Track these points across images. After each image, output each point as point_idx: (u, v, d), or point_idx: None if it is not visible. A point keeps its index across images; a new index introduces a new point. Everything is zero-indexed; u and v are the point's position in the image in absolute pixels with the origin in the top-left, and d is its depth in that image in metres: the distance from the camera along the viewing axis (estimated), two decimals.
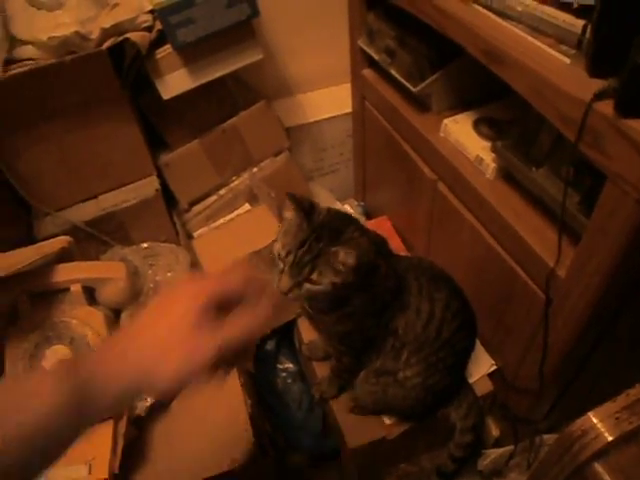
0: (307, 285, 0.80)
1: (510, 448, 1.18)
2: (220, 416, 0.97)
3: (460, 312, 0.97)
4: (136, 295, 1.01)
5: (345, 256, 0.78)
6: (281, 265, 0.81)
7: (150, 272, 1.07)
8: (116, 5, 1.03)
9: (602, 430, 0.45)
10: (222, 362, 0.53)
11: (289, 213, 0.83)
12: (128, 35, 1.01)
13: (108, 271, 0.98)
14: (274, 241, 0.83)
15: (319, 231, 0.80)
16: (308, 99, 1.59)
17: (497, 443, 1.23)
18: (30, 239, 1.16)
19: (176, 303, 0.53)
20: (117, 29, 1.01)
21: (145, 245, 1.13)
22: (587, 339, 0.92)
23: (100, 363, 0.50)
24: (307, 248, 0.79)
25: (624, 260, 0.74)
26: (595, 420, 0.46)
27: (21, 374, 0.85)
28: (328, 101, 1.57)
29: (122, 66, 1.08)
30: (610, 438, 0.44)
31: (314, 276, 0.79)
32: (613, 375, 1.22)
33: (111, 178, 1.20)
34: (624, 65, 0.64)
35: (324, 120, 1.54)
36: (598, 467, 0.45)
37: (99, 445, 0.88)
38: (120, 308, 1.00)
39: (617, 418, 0.45)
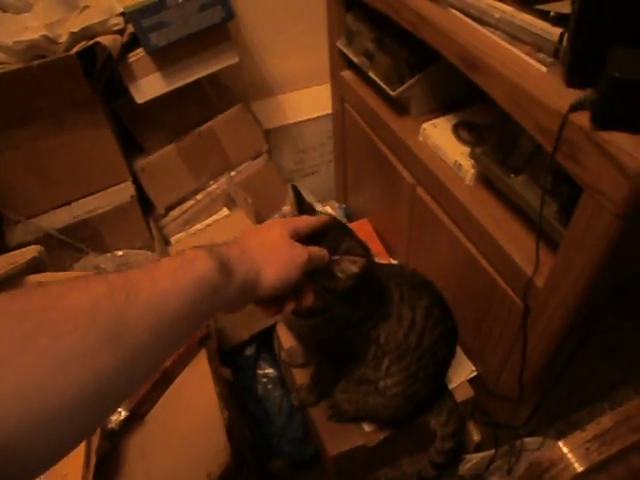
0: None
1: (491, 452, 1.18)
2: (195, 428, 0.94)
3: (442, 320, 0.96)
4: None
5: (348, 266, 0.76)
6: None
7: None
8: (85, 7, 1.00)
9: (572, 461, 0.44)
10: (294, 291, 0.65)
11: (288, 207, 0.82)
12: (99, 39, 0.98)
13: None
14: None
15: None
16: (288, 100, 1.57)
17: (478, 448, 1.23)
18: (2, 247, 1.13)
19: (271, 227, 0.65)
20: (87, 32, 0.99)
21: (120, 253, 1.11)
22: (566, 347, 0.91)
23: (228, 249, 0.57)
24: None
25: (601, 272, 0.74)
26: (565, 450, 0.45)
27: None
28: (309, 102, 1.55)
29: (93, 70, 1.05)
30: (580, 469, 0.44)
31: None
32: (591, 380, 1.22)
33: (85, 184, 1.18)
34: (601, 76, 0.63)
35: (304, 121, 1.52)
36: None
37: (72, 461, 0.85)
38: None
39: (587, 449, 0.44)
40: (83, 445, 0.87)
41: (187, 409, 0.97)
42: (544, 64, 0.76)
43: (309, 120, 1.53)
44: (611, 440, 0.43)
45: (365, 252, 0.85)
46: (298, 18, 1.46)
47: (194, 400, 0.97)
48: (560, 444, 0.45)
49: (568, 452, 0.44)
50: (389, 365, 0.95)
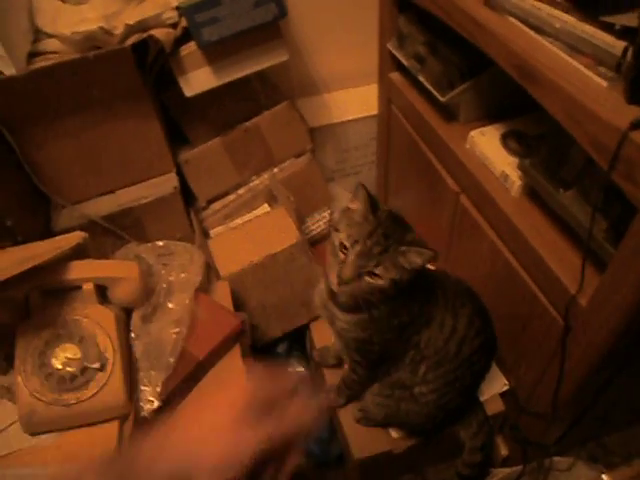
0: (367, 279, 0.80)
1: (518, 468, 1.16)
2: None
3: (482, 330, 0.95)
4: (148, 295, 1.00)
5: (415, 257, 0.79)
6: (342, 256, 0.81)
7: (164, 272, 1.06)
8: (142, 1, 1.01)
9: None
10: (271, 459, 0.50)
11: (357, 204, 0.83)
12: (152, 32, 1.00)
13: (121, 270, 0.97)
14: (335, 231, 0.83)
15: (385, 225, 0.80)
16: (334, 99, 1.56)
17: (505, 462, 1.21)
18: (48, 231, 1.16)
19: (219, 401, 0.53)
20: (142, 25, 1.00)
21: (161, 243, 1.12)
22: (605, 369, 0.89)
23: (140, 453, 0.49)
24: (376, 240, 0.79)
25: None
26: None
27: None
28: (354, 102, 1.54)
29: (145, 62, 1.06)
30: None
31: (379, 270, 0.79)
32: (626, 404, 1.19)
33: (130, 173, 1.19)
34: None
35: (349, 121, 1.52)
36: None
37: (105, 444, 0.88)
38: (132, 307, 0.99)
39: None
40: (116, 430, 0.89)
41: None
42: (604, 78, 0.73)
43: (354, 120, 1.52)
44: None
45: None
46: (348, 18, 1.45)
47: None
48: (604, 477, 0.43)
49: None
50: (426, 371, 0.94)
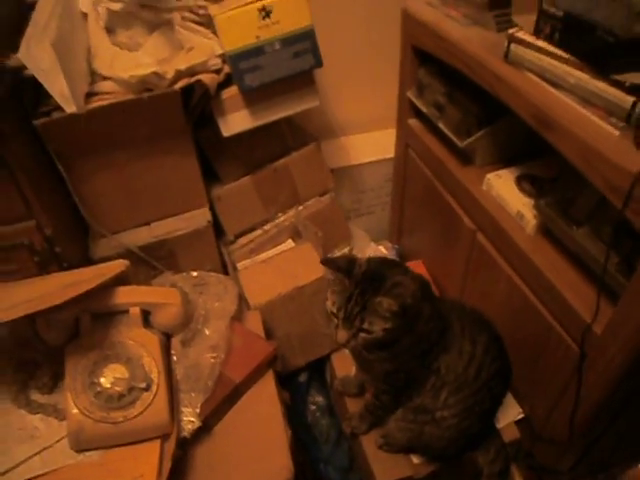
0: (362, 335, 0.88)
1: None
2: (261, 444, 1.00)
3: (498, 357, 1.01)
4: (187, 321, 1.06)
5: (389, 305, 0.86)
6: (335, 320, 0.90)
7: (200, 300, 1.12)
8: (191, 49, 1.11)
9: None
10: None
11: (331, 275, 0.92)
12: (200, 77, 1.09)
13: (165, 296, 1.03)
14: (326, 300, 0.92)
15: (362, 284, 0.88)
16: (351, 142, 1.66)
17: None
18: (86, 259, 1.22)
19: None
20: (190, 71, 1.09)
21: (195, 274, 1.18)
22: (619, 395, 0.95)
23: None
24: (354, 302, 0.87)
25: None
26: None
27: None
28: (370, 145, 1.65)
29: (189, 103, 1.15)
30: None
31: (365, 325, 0.87)
32: (637, 435, 1.24)
33: (166, 207, 1.27)
34: None
35: (365, 164, 1.62)
36: None
37: (147, 463, 0.91)
38: (172, 332, 1.05)
39: None
40: (158, 449, 0.93)
41: (253, 424, 1.02)
42: (616, 127, 0.83)
43: (370, 163, 1.62)
44: None
45: (420, 284, 0.93)
46: (367, 67, 1.57)
47: (260, 417, 1.03)
48: None
49: None
50: (447, 396, 1.00)
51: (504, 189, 1.15)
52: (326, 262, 0.92)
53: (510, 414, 1.21)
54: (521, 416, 1.21)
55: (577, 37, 0.89)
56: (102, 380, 0.93)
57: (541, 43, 0.94)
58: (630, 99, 0.81)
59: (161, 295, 1.04)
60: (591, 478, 1.30)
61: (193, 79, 1.09)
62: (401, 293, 0.86)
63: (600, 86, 0.85)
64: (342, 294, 0.89)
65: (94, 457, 0.93)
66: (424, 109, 1.29)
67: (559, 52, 0.92)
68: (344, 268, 0.90)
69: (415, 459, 1.15)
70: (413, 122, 1.41)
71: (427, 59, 1.28)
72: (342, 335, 0.89)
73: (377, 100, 1.58)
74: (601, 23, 0.84)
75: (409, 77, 1.34)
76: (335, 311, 0.89)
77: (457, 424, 1.02)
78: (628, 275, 0.83)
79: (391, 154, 1.56)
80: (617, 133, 0.82)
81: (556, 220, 1.01)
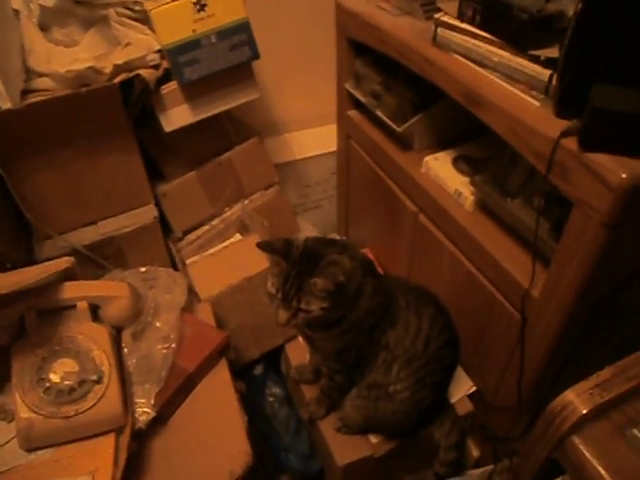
0: (302, 314, 0.91)
1: (489, 468, 1.23)
2: (217, 431, 1.00)
3: (446, 328, 1.05)
4: (138, 314, 1.06)
5: (323, 285, 0.88)
6: (276, 301, 0.92)
7: (150, 294, 1.11)
8: (128, 44, 1.11)
9: (578, 404, 0.53)
10: None
11: (269, 259, 0.95)
12: (139, 71, 1.09)
13: (113, 290, 1.03)
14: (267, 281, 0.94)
15: (298, 265, 0.90)
16: (295, 138, 1.69)
17: (477, 464, 1.28)
18: (30, 262, 1.20)
19: None
20: (128, 66, 1.10)
21: (143, 269, 1.18)
22: (559, 356, 1.00)
23: None
24: (291, 283, 0.90)
25: (591, 279, 0.84)
26: (572, 396, 0.53)
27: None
28: (314, 140, 1.68)
29: (129, 99, 1.16)
30: (585, 411, 0.52)
31: (303, 305, 0.90)
32: None
33: (112, 205, 1.26)
34: (585, 108, 0.75)
35: (309, 158, 1.65)
36: (575, 439, 0.52)
37: (102, 457, 0.90)
38: (122, 326, 1.04)
39: (590, 393, 0.52)
40: (112, 442, 0.93)
41: (209, 412, 1.03)
42: (537, 100, 0.88)
43: (314, 157, 1.65)
44: (610, 387, 0.51)
45: (362, 262, 0.98)
46: (306, 63, 1.61)
47: (216, 404, 1.04)
48: (568, 391, 0.53)
49: (575, 397, 0.53)
50: (398, 370, 1.03)
51: (442, 170, 1.19)
52: (262, 245, 0.93)
53: (462, 388, 1.25)
54: (473, 389, 1.25)
55: (496, 18, 0.94)
56: (51, 375, 0.92)
57: (465, 26, 0.99)
58: (547, 72, 0.86)
59: (109, 288, 1.04)
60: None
61: (132, 74, 1.10)
62: (334, 272, 0.88)
63: (520, 62, 0.91)
64: (280, 276, 0.91)
65: (46, 455, 0.91)
66: (362, 99, 1.33)
67: (481, 33, 0.97)
68: (280, 250, 0.92)
69: (373, 438, 1.17)
70: (353, 113, 1.45)
71: (362, 50, 1.32)
72: (282, 315, 0.91)
73: (319, 95, 1.61)
74: (516, 3, 0.89)
75: (346, 69, 1.38)
76: (274, 292, 0.91)
77: (410, 397, 1.05)
78: (558, 239, 0.88)
79: (335, 147, 1.60)
80: (538, 104, 0.88)
81: (491, 194, 1.06)
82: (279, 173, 1.59)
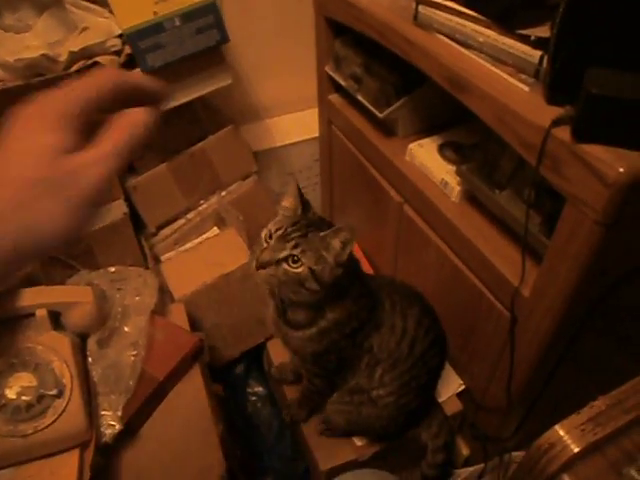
0: (285, 266, 0.80)
1: (480, 466, 1.19)
2: (190, 442, 0.95)
3: (432, 329, 0.99)
4: (103, 319, 0.99)
5: (333, 237, 0.81)
6: (265, 244, 0.83)
7: (118, 296, 1.05)
8: (85, 29, 1.03)
9: (568, 442, 0.47)
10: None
11: (289, 200, 0.87)
12: (97, 58, 1.01)
13: (74, 295, 0.97)
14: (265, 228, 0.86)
15: (310, 220, 0.84)
16: (276, 124, 1.61)
17: (467, 462, 1.24)
18: None
19: (30, 130, 0.39)
20: (86, 52, 1.02)
21: (112, 269, 1.12)
22: (551, 357, 0.94)
23: None
24: (297, 227, 0.82)
25: (585, 279, 0.77)
26: (562, 432, 0.47)
27: None
28: (295, 126, 1.60)
29: None
30: (576, 449, 0.46)
31: (297, 252, 0.79)
32: (575, 394, 1.25)
33: None
34: (579, 94, 0.68)
35: (291, 144, 1.57)
36: (566, 478, 0.46)
37: (65, 475, 0.86)
38: (87, 333, 0.98)
39: (582, 430, 0.46)
40: (76, 459, 0.87)
41: (181, 423, 0.97)
42: (526, 84, 0.81)
43: (296, 143, 1.57)
44: (605, 422, 0.45)
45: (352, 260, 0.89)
46: (285, 44, 1.52)
47: (188, 414, 0.98)
48: (557, 427, 0.47)
49: (565, 434, 0.47)
50: (382, 374, 0.97)
51: (427, 158, 1.12)
52: (297, 185, 0.88)
53: (451, 387, 1.20)
54: (462, 388, 1.20)
55: None
56: (7, 391, 0.86)
57: (448, 3, 0.91)
58: (537, 53, 0.79)
59: (70, 294, 0.98)
60: (535, 441, 1.31)
61: (90, 61, 1.02)
62: (347, 236, 0.81)
63: (508, 42, 0.83)
64: (288, 218, 0.84)
65: (5, 476, 0.86)
66: (342, 82, 1.25)
67: (466, 11, 0.89)
68: (304, 202, 0.87)
69: (358, 441, 1.13)
70: (334, 97, 1.37)
71: (342, 30, 1.24)
72: (267, 254, 0.80)
73: (301, 78, 1.52)
74: None
75: (326, 51, 1.30)
76: (273, 231, 0.82)
77: (395, 401, 1.00)
78: (550, 235, 0.82)
79: (317, 133, 1.52)
80: (527, 89, 0.80)
81: (479, 185, 0.99)
82: (260, 161, 1.52)
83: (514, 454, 1.21)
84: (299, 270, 0.80)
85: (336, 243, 0.82)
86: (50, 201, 0.37)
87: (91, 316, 0.97)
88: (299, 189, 0.87)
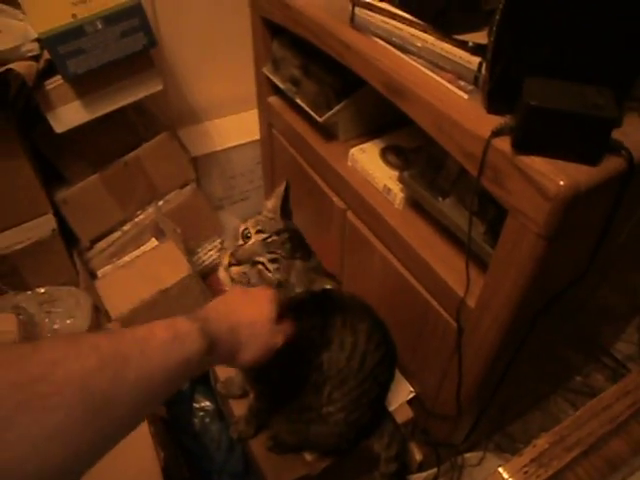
0: (260, 266, 0.77)
1: (433, 471, 1.19)
2: (130, 474, 0.90)
3: (382, 343, 0.96)
4: None
5: (321, 284, 0.79)
6: (241, 241, 0.79)
7: (47, 320, 0.98)
8: None
9: None
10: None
11: (272, 201, 0.84)
12: (11, 65, 0.93)
13: None
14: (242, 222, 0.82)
15: (292, 237, 0.81)
16: (216, 126, 1.55)
17: (421, 467, 1.24)
18: None
19: (263, 303, 0.68)
20: None
21: (42, 290, 1.04)
22: (499, 364, 0.93)
23: (219, 327, 0.58)
24: (282, 241, 0.79)
25: (529, 290, 0.76)
26: (505, 476, 0.45)
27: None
28: (236, 128, 1.54)
29: (7, 98, 1.00)
30: None
31: (272, 266, 0.77)
32: (523, 393, 1.26)
33: (0, 218, 1.10)
34: (517, 104, 0.66)
35: (232, 148, 1.51)
36: None
37: None
38: None
39: (525, 472, 0.44)
40: None
41: (120, 453, 0.91)
42: (465, 91, 0.78)
43: (237, 146, 1.52)
44: (548, 462, 0.44)
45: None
46: (224, 45, 1.46)
47: (127, 443, 0.92)
48: (500, 470, 0.45)
49: (508, 478, 0.45)
50: (331, 391, 0.94)
51: (369, 163, 1.09)
52: (289, 187, 0.86)
53: (401, 395, 1.18)
54: (412, 395, 1.18)
55: None
56: None
57: (384, 5, 0.88)
58: (475, 60, 0.77)
59: None
60: (487, 441, 1.31)
61: (3, 69, 0.93)
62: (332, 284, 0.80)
63: (446, 48, 0.81)
64: (270, 224, 0.81)
65: None
66: (281, 85, 1.20)
67: (402, 13, 0.86)
68: (287, 211, 0.86)
69: (308, 456, 1.09)
70: (273, 100, 1.32)
71: (280, 31, 1.19)
72: (245, 253, 0.77)
73: (238, 79, 1.47)
74: None
75: (263, 52, 1.25)
76: (253, 231, 0.79)
77: (345, 418, 0.97)
78: (494, 244, 0.80)
79: (258, 135, 1.47)
80: (466, 97, 0.78)
81: (422, 192, 0.97)
82: (201, 165, 1.46)
83: (466, 456, 1.21)
84: (269, 277, 0.77)
85: (317, 286, 0.79)
86: (258, 348, 0.65)
87: None
88: (287, 192, 0.84)
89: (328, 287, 0.80)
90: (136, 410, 0.46)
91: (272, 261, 0.77)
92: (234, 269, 0.78)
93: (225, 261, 0.79)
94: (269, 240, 0.78)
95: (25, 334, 0.92)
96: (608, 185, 0.67)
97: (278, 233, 0.79)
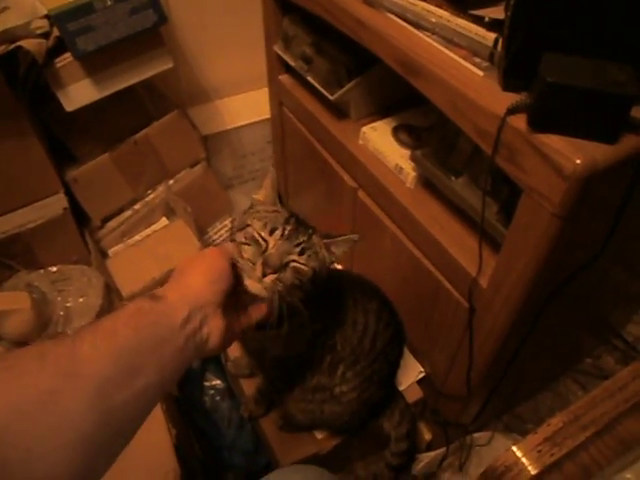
0: (293, 265, 0.71)
1: (442, 450, 1.19)
2: (143, 449, 0.90)
3: (391, 322, 0.97)
4: (44, 325, 0.94)
5: (342, 245, 0.76)
6: (264, 244, 0.71)
7: (60, 298, 0.99)
8: (5, 9, 0.94)
9: (526, 464, 0.45)
10: None
11: (263, 193, 0.77)
12: (21, 43, 0.92)
13: (10, 302, 0.90)
14: (245, 227, 0.74)
15: (295, 217, 0.75)
16: (226, 105, 1.54)
17: (429, 446, 1.24)
18: None
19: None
20: (7, 36, 0.93)
21: (54, 269, 1.05)
22: (510, 344, 0.93)
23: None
24: (293, 227, 0.72)
25: (543, 270, 0.75)
26: (519, 454, 0.45)
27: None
28: (247, 107, 1.53)
29: (17, 76, 0.99)
30: (534, 472, 0.44)
31: (303, 259, 0.72)
32: (534, 374, 1.26)
33: (13, 197, 1.11)
34: (534, 81, 0.65)
35: (243, 127, 1.50)
36: None
37: None
38: (26, 341, 0.92)
39: (539, 451, 0.44)
40: None
41: None
42: (480, 68, 0.77)
43: (247, 125, 1.51)
44: (562, 440, 0.44)
45: None
46: (234, 22, 1.44)
47: None
48: (514, 448, 0.45)
49: (522, 456, 0.45)
50: (344, 371, 0.94)
51: (381, 142, 1.08)
52: (273, 171, 0.78)
53: (411, 375, 1.19)
54: (422, 375, 1.19)
55: None
56: None
57: None
58: (491, 35, 0.75)
59: (5, 301, 0.91)
60: (496, 421, 1.32)
61: (12, 46, 0.93)
62: (349, 237, 0.76)
63: (461, 23, 0.79)
64: (275, 216, 0.73)
65: None
66: (292, 62, 1.19)
67: None
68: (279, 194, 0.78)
69: (319, 434, 1.11)
70: (284, 78, 1.31)
71: (291, 7, 1.17)
72: (275, 258, 0.70)
73: (249, 57, 1.45)
74: None
75: (274, 29, 1.23)
76: (267, 233, 0.71)
77: (357, 397, 0.97)
78: (507, 224, 0.79)
79: (269, 114, 1.46)
80: (482, 74, 0.77)
81: (434, 171, 0.96)
82: (211, 144, 1.46)
83: (475, 436, 1.22)
84: (305, 269, 0.72)
85: (343, 248, 0.76)
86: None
87: (29, 323, 0.91)
88: (276, 181, 0.78)
89: (339, 268, 0.79)
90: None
91: (301, 253, 0.72)
92: (269, 278, 0.70)
93: (258, 273, 0.70)
94: (286, 233, 0.72)
95: (38, 312, 0.92)
96: (626, 164, 0.66)
97: (287, 222, 0.73)
